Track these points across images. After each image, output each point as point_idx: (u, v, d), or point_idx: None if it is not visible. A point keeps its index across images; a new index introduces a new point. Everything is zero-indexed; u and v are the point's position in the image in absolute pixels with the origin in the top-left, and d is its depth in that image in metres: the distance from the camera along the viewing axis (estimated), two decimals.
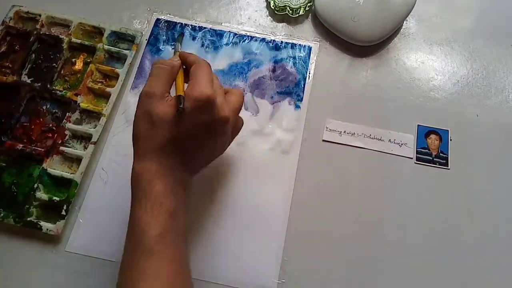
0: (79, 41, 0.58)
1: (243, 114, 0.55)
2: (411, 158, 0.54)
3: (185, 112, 0.38)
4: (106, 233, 0.49)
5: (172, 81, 0.42)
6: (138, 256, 0.38)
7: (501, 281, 0.49)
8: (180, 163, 0.41)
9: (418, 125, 0.56)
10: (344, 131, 0.55)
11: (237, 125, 0.47)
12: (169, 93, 0.41)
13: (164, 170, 0.40)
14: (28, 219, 0.48)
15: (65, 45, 0.58)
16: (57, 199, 0.50)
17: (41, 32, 0.58)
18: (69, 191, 0.50)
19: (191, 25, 0.61)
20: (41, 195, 0.50)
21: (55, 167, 0.52)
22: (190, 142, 0.41)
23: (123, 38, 0.59)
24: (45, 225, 0.48)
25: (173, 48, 0.59)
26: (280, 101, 0.57)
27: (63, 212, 0.49)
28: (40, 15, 0.59)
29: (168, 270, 0.38)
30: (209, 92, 0.39)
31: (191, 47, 0.60)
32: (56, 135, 0.53)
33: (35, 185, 0.50)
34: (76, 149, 0.53)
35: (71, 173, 0.51)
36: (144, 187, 0.39)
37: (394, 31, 0.61)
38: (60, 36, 0.58)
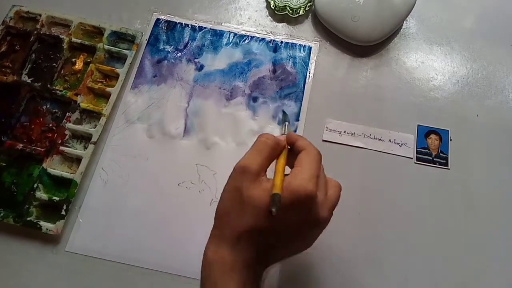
0: (79, 41, 0.58)
1: (243, 113, 0.56)
2: (411, 158, 0.54)
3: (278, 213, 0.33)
4: (106, 233, 0.49)
5: (272, 160, 0.38)
6: None
7: (501, 280, 0.49)
8: (258, 257, 0.36)
9: (418, 125, 0.56)
10: (344, 131, 0.55)
11: (333, 204, 0.39)
12: (266, 173, 0.37)
13: (240, 266, 0.35)
14: (28, 219, 0.48)
15: (65, 45, 0.58)
16: (57, 199, 0.50)
17: (41, 32, 0.58)
18: (68, 191, 0.50)
19: (191, 25, 0.61)
20: (41, 195, 0.50)
21: (55, 167, 0.52)
22: (277, 237, 0.36)
23: (123, 38, 0.59)
24: (45, 225, 0.48)
25: (280, 124, 0.55)
26: (280, 101, 0.57)
27: (63, 212, 0.49)
28: (40, 15, 0.59)
29: None
30: (310, 188, 0.34)
31: (191, 47, 0.60)
32: (56, 135, 0.53)
33: (35, 185, 0.50)
34: (76, 149, 0.53)
35: (71, 173, 0.51)
36: (215, 281, 0.35)
37: (394, 31, 0.61)
38: (60, 36, 0.58)
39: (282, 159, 0.38)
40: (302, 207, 0.35)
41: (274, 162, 0.38)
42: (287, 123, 0.46)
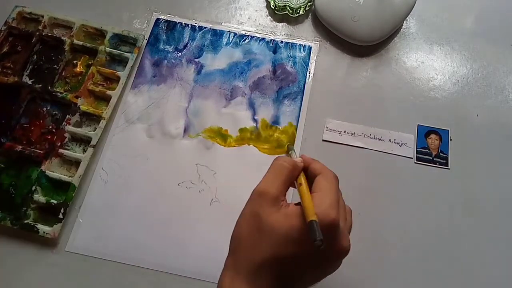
0: (81, 43, 0.58)
1: (243, 113, 0.56)
2: (411, 158, 0.54)
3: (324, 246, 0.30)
4: (106, 233, 0.49)
5: (290, 184, 0.37)
6: None
7: (502, 280, 0.48)
8: None
9: (418, 125, 0.56)
10: (344, 131, 0.55)
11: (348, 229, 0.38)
12: (285, 197, 0.36)
13: None
14: (25, 221, 0.48)
15: (67, 47, 0.58)
16: (55, 202, 0.49)
17: (44, 33, 0.58)
18: (67, 194, 0.50)
19: (191, 25, 0.61)
20: (39, 197, 0.50)
21: (54, 170, 0.52)
22: (298, 267, 0.34)
23: (125, 40, 0.59)
24: (42, 228, 0.48)
25: (288, 152, 0.53)
26: (280, 101, 0.57)
27: (60, 216, 0.49)
28: (42, 16, 0.59)
29: None
30: (334, 215, 0.32)
31: (191, 47, 0.60)
32: (55, 137, 0.53)
33: (33, 188, 0.50)
34: (75, 151, 0.53)
35: (69, 176, 0.51)
36: None
37: (394, 31, 0.61)
38: (62, 38, 0.58)
39: (304, 182, 0.36)
40: (325, 235, 0.31)
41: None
42: (293, 150, 0.45)
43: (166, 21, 0.62)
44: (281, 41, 0.60)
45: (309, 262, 0.34)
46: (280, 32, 0.62)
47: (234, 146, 0.54)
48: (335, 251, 0.34)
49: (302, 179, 0.37)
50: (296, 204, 0.35)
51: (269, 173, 0.36)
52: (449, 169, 0.53)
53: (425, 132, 0.55)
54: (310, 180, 0.37)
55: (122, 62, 0.58)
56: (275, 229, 0.33)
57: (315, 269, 0.35)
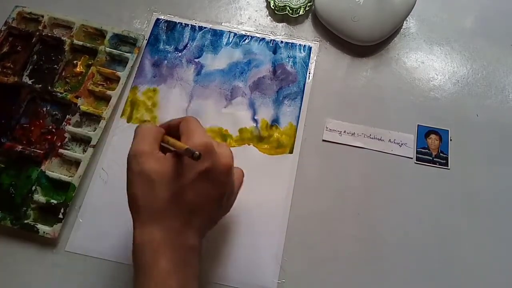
0: (81, 43, 0.58)
1: (243, 113, 0.56)
2: (411, 158, 0.54)
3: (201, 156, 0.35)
4: (106, 233, 0.49)
5: (159, 141, 0.39)
6: None
7: (502, 281, 0.48)
8: (185, 224, 0.37)
9: (418, 125, 0.56)
10: (344, 131, 0.55)
11: (238, 177, 0.43)
12: (159, 150, 0.38)
13: (170, 237, 0.36)
14: (25, 221, 0.48)
15: (67, 47, 0.58)
16: (55, 202, 0.49)
17: (43, 33, 0.58)
18: (66, 194, 0.50)
19: (191, 25, 0.61)
20: (39, 197, 0.50)
21: (54, 170, 0.52)
22: (193, 197, 0.37)
23: (125, 41, 0.59)
24: (42, 228, 0.48)
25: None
26: (280, 101, 0.57)
27: (60, 216, 0.49)
28: (42, 16, 0.59)
29: None
30: (207, 139, 0.37)
31: (191, 47, 0.60)
32: (55, 137, 0.53)
33: (33, 188, 0.50)
34: (75, 152, 0.53)
35: (69, 176, 0.51)
36: (147, 262, 0.35)
37: (394, 31, 0.61)
38: (62, 38, 0.58)
39: (169, 137, 0.39)
40: (204, 158, 0.36)
41: None
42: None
43: (166, 21, 0.62)
44: (281, 41, 0.60)
45: (200, 188, 0.37)
46: (280, 32, 0.62)
47: (234, 146, 0.54)
48: (218, 168, 0.37)
49: (167, 137, 0.39)
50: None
51: (136, 137, 0.39)
52: (449, 169, 0.53)
53: (425, 132, 0.55)
54: (178, 137, 0.39)
55: (122, 62, 0.58)
56: (161, 173, 0.36)
57: (208, 193, 0.38)
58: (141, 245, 0.36)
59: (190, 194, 0.37)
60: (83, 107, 0.55)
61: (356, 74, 0.59)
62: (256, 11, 0.63)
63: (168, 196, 0.36)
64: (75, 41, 0.58)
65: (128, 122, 0.55)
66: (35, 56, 0.58)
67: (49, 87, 0.56)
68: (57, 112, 0.55)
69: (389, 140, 0.55)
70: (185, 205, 0.37)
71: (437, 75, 0.59)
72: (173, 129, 0.41)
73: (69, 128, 0.53)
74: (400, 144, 0.55)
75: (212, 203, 0.39)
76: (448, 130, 0.55)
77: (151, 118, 0.55)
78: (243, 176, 0.44)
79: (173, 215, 0.37)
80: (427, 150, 0.54)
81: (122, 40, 0.59)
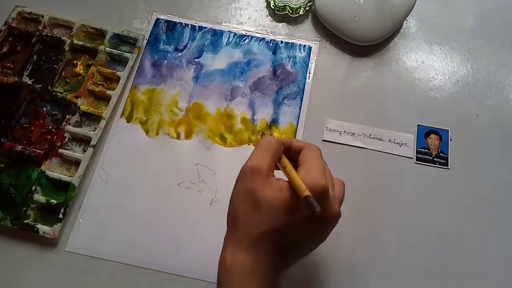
0: (81, 43, 0.58)
1: (243, 113, 0.56)
2: (411, 158, 0.54)
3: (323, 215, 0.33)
4: (106, 233, 0.49)
5: (277, 160, 0.38)
6: None
7: (502, 281, 0.48)
8: (276, 259, 0.36)
9: (418, 125, 0.56)
10: (344, 131, 0.55)
11: (339, 191, 0.40)
12: (274, 173, 0.37)
13: (259, 269, 0.35)
14: (25, 221, 0.48)
15: (66, 47, 0.58)
16: (55, 202, 0.49)
17: (43, 33, 0.58)
18: (66, 194, 0.50)
19: (191, 25, 0.61)
20: (39, 197, 0.50)
21: (54, 170, 0.52)
22: (294, 236, 0.36)
23: (125, 40, 0.59)
24: (42, 228, 0.48)
25: (264, 133, 0.55)
26: (280, 101, 0.57)
27: (60, 215, 0.49)
28: (42, 16, 0.59)
29: None
30: (323, 182, 0.34)
31: (191, 47, 0.60)
32: (55, 137, 0.53)
33: (33, 187, 0.50)
34: (75, 151, 0.53)
35: (69, 176, 0.51)
36: (234, 285, 0.35)
37: (394, 31, 0.61)
38: (62, 38, 0.58)
39: (287, 163, 0.37)
40: (317, 202, 0.34)
41: None
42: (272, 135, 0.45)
43: (166, 21, 0.62)
44: (281, 41, 0.60)
45: (303, 229, 0.36)
46: (280, 32, 0.62)
47: (234, 146, 0.54)
48: (327, 216, 0.36)
49: (285, 161, 0.38)
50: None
51: (258, 150, 0.38)
52: (449, 169, 0.53)
53: (425, 132, 0.55)
54: (294, 159, 0.38)
55: (122, 62, 0.58)
56: (271, 203, 0.35)
57: (308, 235, 0.37)
58: (231, 268, 0.35)
59: (291, 233, 0.36)
60: (83, 107, 0.55)
61: (356, 74, 0.59)
62: (256, 11, 0.63)
63: (271, 227, 0.35)
64: (75, 41, 0.58)
65: (128, 122, 0.55)
66: (35, 56, 0.58)
67: (49, 87, 0.56)
68: (57, 112, 0.55)
69: (389, 140, 0.55)
70: (282, 241, 0.36)
71: (437, 75, 0.59)
72: (293, 151, 0.39)
73: (69, 128, 0.53)
74: (400, 144, 0.55)
75: (308, 244, 0.39)
76: (448, 130, 0.55)
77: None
78: (344, 188, 0.40)
79: (268, 248, 0.35)
80: (427, 150, 0.54)
81: (122, 40, 0.59)
